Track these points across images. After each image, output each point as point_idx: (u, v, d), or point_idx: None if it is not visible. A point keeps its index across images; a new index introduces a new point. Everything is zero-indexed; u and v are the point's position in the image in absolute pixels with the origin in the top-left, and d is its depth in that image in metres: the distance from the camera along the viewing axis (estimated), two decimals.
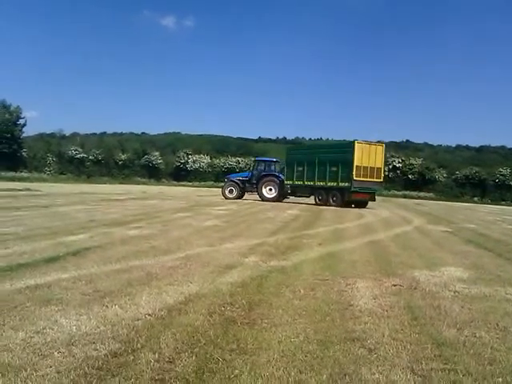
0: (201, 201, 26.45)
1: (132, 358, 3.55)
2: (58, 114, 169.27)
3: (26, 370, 3.23)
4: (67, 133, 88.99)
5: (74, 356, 3.52)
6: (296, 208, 23.17)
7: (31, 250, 7.71)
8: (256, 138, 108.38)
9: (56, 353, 3.56)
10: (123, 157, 70.92)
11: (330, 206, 25.59)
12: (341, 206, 25.03)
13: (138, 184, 59.66)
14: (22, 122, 65.07)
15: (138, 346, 3.78)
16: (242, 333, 4.24)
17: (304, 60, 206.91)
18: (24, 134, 66.98)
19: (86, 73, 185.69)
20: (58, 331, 4.02)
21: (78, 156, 69.10)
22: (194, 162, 74.15)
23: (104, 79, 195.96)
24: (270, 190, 28.68)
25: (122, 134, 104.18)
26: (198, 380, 3.25)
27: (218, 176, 70.01)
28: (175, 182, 67.98)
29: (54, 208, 17.02)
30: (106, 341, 3.84)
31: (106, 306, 4.80)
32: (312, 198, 27.85)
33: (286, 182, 29.17)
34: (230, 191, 29.25)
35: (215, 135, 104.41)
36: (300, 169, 28.29)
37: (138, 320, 4.43)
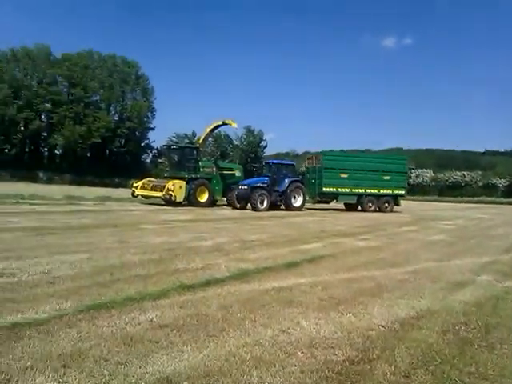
0: (425, 215, 25.00)
1: (368, 367, 3.43)
2: (290, 136, 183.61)
3: (274, 366, 3.37)
4: (299, 152, 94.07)
5: (315, 358, 3.57)
6: None
7: (273, 255, 8.22)
8: (482, 150, 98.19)
9: (299, 353, 3.65)
10: None
11: (382, 212, 26.10)
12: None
13: None
14: (263, 143, 71.71)
15: (374, 356, 3.65)
16: (479, 356, 3.78)
17: None
18: (265, 154, 73.26)
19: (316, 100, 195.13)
20: (301, 332, 4.13)
21: None
22: (416, 176, 71.52)
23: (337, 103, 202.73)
24: (295, 197, 24.22)
25: (342, 150, 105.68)
26: None
27: (441, 190, 66.65)
28: None
29: (288, 218, 18.07)
30: (343, 347, 3.80)
31: (341, 313, 4.79)
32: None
33: (324, 189, 26.16)
34: (261, 202, 22.63)
35: (438, 149, 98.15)
36: (344, 176, 26.40)
37: (371, 330, 4.30)
